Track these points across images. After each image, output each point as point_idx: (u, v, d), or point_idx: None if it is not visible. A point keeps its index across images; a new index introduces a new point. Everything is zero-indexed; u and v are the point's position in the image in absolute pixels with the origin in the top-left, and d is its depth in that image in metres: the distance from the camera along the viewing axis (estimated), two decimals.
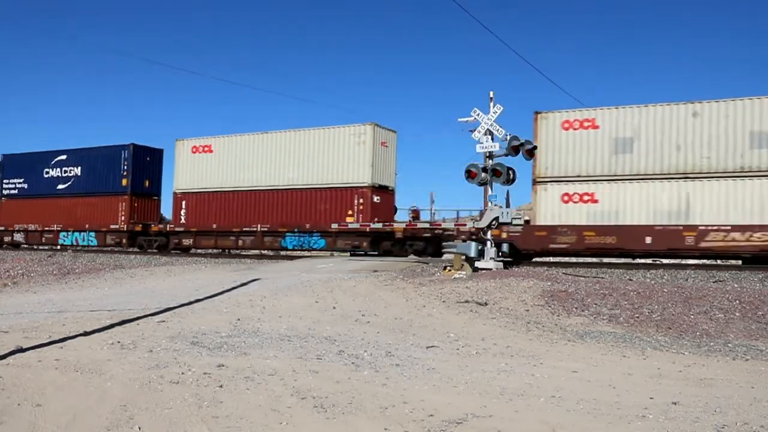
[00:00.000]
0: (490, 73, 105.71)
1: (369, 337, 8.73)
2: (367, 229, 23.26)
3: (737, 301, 10.78)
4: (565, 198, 19.72)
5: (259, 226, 25.25)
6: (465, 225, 22.37)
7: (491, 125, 16.43)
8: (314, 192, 24.25)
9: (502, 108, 16.37)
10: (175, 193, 27.41)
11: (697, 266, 18.44)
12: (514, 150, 16.42)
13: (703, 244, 18.16)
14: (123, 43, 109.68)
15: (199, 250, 27.84)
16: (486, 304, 11.50)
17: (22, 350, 7.21)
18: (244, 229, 25.55)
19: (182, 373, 6.23)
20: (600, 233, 19.14)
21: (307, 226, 24.27)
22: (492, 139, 16.57)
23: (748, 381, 6.47)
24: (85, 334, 8.32)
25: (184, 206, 27.08)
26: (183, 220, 27.08)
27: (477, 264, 15.86)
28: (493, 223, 16.33)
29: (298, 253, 25.28)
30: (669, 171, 18.75)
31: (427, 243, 22.79)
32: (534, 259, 20.89)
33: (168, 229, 27.51)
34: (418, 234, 22.79)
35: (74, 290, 15.02)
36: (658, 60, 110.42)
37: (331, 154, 24.06)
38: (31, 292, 14.93)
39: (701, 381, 6.46)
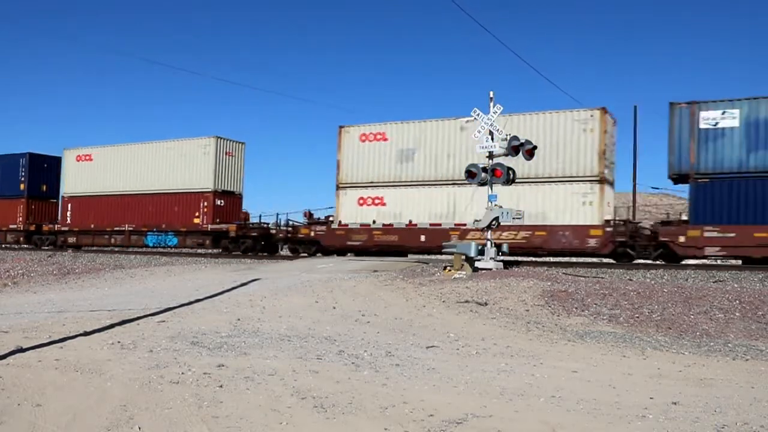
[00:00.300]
0: (490, 73, 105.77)
1: (369, 337, 8.73)
2: (209, 229, 26.89)
3: (737, 301, 10.78)
4: (361, 201, 23.27)
5: (126, 226, 28.94)
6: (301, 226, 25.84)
7: (491, 125, 16.42)
8: (169, 196, 27.95)
9: (502, 108, 16.36)
10: (63, 197, 31.30)
11: (697, 266, 18.49)
12: (514, 150, 16.40)
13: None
14: (123, 43, 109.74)
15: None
16: (486, 304, 11.50)
17: (22, 350, 7.21)
18: (116, 228, 29.21)
19: (182, 373, 6.23)
20: (385, 232, 22.60)
21: (163, 226, 27.98)
22: (492, 139, 16.56)
23: (748, 381, 6.47)
24: (85, 334, 8.32)
25: (69, 208, 30.71)
26: (69, 221, 30.64)
27: (477, 264, 15.85)
28: (494, 223, 16.31)
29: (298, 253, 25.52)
30: (442, 177, 21.92)
31: (255, 240, 26.58)
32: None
33: (56, 228, 31.20)
34: (248, 233, 26.66)
35: (74, 290, 15.02)
36: (658, 60, 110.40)
37: (182, 163, 27.73)
38: (31, 292, 14.93)
39: (701, 381, 6.45)
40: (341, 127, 23.71)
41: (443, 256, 20.72)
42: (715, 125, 18.96)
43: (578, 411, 5.21)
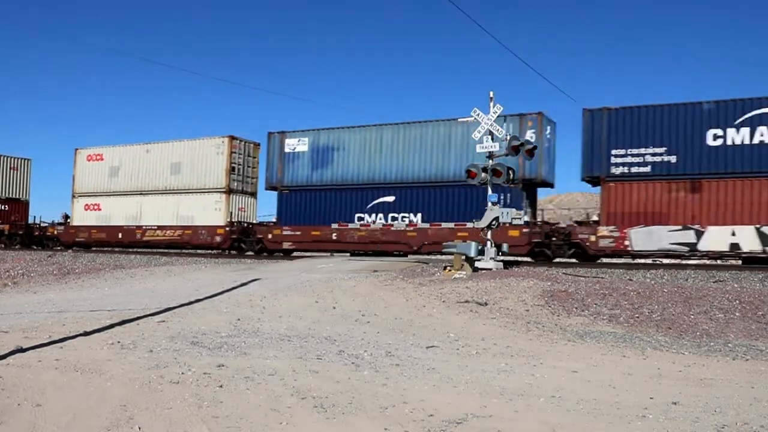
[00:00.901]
0: (490, 73, 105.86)
1: (369, 337, 8.73)
2: None
3: (737, 301, 10.78)
4: (86, 207, 30.49)
5: None
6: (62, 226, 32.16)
7: (491, 125, 16.43)
8: None
9: (502, 108, 16.37)
10: None
11: (697, 266, 18.50)
12: (514, 150, 16.41)
13: (145, 238, 28.34)
14: (123, 43, 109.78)
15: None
16: (486, 304, 11.50)
17: (22, 350, 7.21)
18: None
19: (182, 373, 6.23)
20: (99, 231, 29.86)
21: None
22: (492, 139, 16.57)
23: (748, 381, 6.47)
24: (85, 334, 8.32)
25: None
26: None
27: (477, 264, 15.86)
28: (494, 223, 16.32)
29: (298, 253, 25.81)
30: (134, 189, 29.02)
31: (22, 237, 33.68)
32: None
33: None
34: (17, 231, 33.97)
35: (74, 290, 15.02)
36: (658, 60, 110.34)
37: None
38: (31, 292, 14.93)
39: (701, 381, 6.45)
40: (76, 149, 31.02)
41: (443, 257, 20.76)
42: (294, 150, 25.01)
43: (578, 411, 5.21)
